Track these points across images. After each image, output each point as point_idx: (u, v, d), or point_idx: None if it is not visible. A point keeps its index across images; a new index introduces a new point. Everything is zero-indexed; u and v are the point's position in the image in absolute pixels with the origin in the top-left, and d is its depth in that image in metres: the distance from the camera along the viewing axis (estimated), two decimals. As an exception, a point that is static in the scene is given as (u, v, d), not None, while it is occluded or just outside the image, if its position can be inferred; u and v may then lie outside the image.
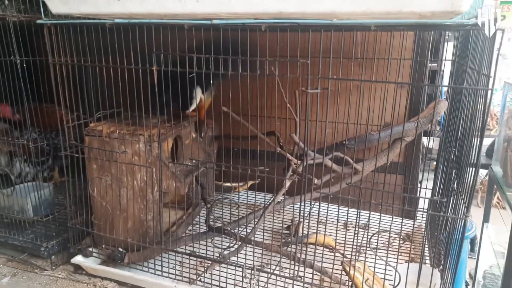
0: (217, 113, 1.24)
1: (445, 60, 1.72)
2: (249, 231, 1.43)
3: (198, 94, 1.62)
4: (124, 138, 1.35)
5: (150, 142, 1.34)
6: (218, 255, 1.29)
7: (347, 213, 1.63)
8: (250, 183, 2.06)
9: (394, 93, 1.75)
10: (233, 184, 2.06)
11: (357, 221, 1.18)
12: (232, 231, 1.28)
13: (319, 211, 1.34)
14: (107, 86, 1.32)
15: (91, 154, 1.39)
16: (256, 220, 1.43)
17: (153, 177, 1.38)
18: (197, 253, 1.31)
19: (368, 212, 1.45)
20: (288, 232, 1.79)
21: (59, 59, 1.32)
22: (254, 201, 1.98)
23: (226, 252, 1.29)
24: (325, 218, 1.66)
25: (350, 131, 1.81)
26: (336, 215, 1.34)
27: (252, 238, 1.29)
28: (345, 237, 1.48)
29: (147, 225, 1.43)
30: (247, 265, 1.21)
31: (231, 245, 1.29)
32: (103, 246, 1.47)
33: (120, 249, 1.45)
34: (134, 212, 1.41)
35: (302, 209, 1.26)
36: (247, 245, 1.28)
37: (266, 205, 1.40)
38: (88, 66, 1.30)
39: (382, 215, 1.77)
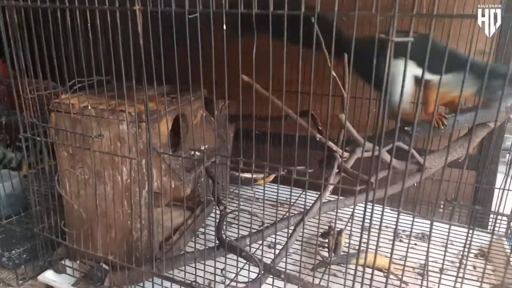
0: (234, 84, 0.79)
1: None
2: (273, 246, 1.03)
3: (411, 71, 1.00)
4: (101, 116, 0.95)
5: (137, 123, 0.93)
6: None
7: (412, 223, 1.20)
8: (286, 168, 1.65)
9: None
10: (254, 176, 1.65)
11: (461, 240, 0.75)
12: (252, 255, 0.88)
13: (381, 220, 0.91)
14: (83, 43, 0.91)
15: (57, 137, 1.00)
16: (283, 230, 1.02)
17: (143, 171, 0.98)
18: (201, 285, 0.92)
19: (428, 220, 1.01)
20: (325, 241, 1.38)
21: (8, 0, 0.92)
22: (280, 198, 1.58)
23: (242, 286, 0.89)
24: (377, 228, 1.24)
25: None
26: (394, 224, 0.92)
27: (283, 268, 0.88)
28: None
29: (135, 236, 1.04)
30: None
31: (250, 277, 0.89)
32: (78, 261, 1.10)
33: (102, 265, 1.08)
34: (118, 218, 1.03)
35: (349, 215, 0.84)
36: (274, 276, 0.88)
37: (303, 215, 0.98)
38: (48, 10, 0.88)
39: (444, 223, 1.35)
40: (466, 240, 0.73)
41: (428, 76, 1.10)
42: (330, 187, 1.00)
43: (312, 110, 1.51)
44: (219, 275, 0.95)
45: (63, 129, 0.97)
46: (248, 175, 1.66)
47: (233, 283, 0.95)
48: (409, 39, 0.57)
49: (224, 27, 0.70)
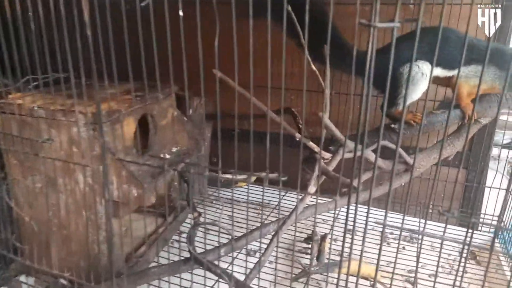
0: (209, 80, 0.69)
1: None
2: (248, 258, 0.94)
3: (425, 71, 1.00)
4: (53, 117, 0.84)
5: (91, 124, 0.83)
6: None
7: (400, 231, 1.12)
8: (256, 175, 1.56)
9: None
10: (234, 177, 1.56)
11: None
12: (220, 273, 0.78)
13: (366, 224, 0.83)
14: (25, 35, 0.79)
15: (4, 142, 0.89)
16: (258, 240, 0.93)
17: (102, 179, 0.88)
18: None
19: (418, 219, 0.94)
20: (308, 246, 1.29)
21: None
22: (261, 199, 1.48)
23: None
24: (362, 232, 1.15)
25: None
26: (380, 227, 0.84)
27: (258, 278, 0.80)
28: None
29: (96, 250, 0.94)
30: None
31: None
32: (34, 278, 0.99)
33: (60, 281, 0.98)
34: (75, 231, 0.92)
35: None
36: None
37: (280, 225, 0.89)
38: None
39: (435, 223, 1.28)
40: (461, 255, 0.65)
41: (447, 72, 1.03)
42: (311, 191, 0.91)
43: (293, 107, 1.43)
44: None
45: (8, 133, 0.86)
46: (227, 177, 1.57)
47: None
48: (394, 25, 0.48)
49: (181, 13, 0.60)
